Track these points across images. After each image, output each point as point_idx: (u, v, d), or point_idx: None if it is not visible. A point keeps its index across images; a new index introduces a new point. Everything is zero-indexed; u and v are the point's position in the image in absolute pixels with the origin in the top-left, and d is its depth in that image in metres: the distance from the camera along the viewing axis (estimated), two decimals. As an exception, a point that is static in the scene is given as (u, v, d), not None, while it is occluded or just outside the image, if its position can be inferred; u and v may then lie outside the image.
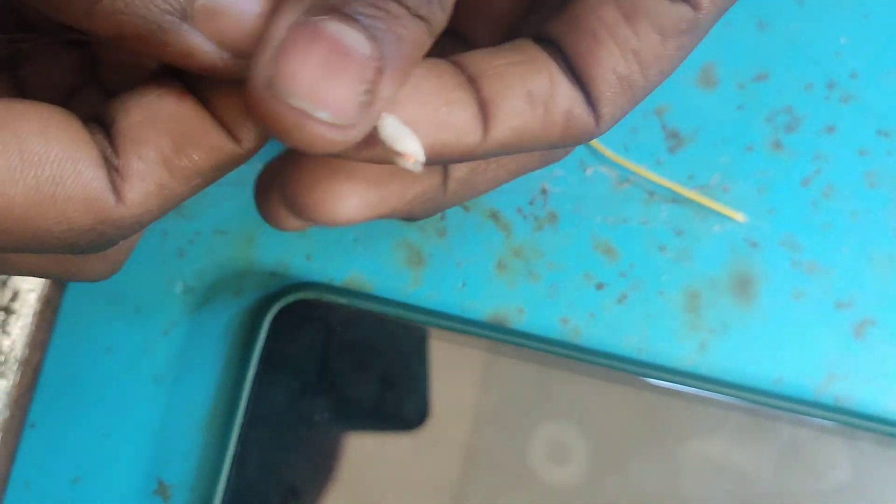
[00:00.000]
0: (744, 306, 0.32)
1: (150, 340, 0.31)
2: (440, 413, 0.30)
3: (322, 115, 0.17)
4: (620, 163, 0.32)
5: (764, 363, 0.32)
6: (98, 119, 0.19)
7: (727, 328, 0.32)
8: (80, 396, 0.30)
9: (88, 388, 0.31)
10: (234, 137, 0.19)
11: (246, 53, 0.18)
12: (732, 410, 0.30)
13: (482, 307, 0.31)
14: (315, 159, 0.21)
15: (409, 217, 0.23)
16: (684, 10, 0.20)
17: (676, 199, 0.32)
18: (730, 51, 0.33)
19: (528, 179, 0.32)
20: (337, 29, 0.17)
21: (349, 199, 0.21)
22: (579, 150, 0.32)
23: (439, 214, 0.32)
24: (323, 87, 0.17)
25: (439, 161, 0.20)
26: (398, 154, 0.18)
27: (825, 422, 0.30)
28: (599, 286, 0.32)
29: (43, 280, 0.31)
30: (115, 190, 0.18)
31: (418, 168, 0.19)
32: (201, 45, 0.18)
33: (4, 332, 0.30)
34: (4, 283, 0.30)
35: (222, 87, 0.19)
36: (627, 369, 0.30)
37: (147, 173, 0.19)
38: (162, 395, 0.31)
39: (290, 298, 0.30)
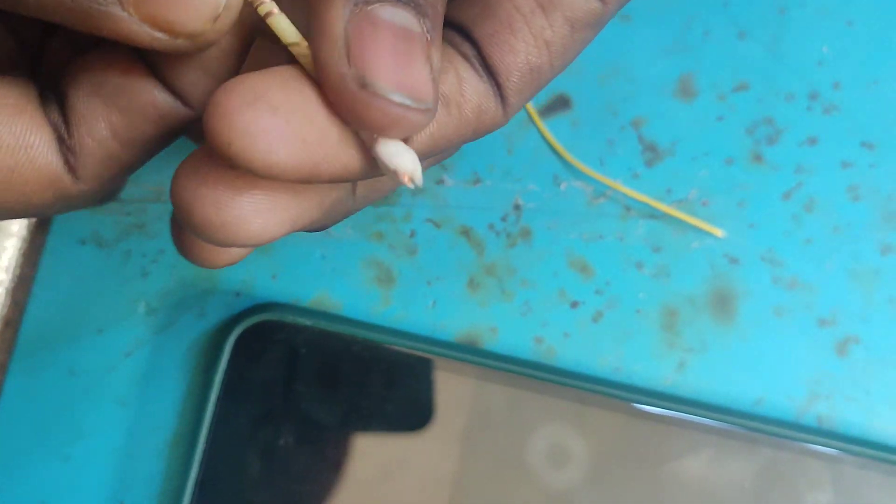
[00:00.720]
0: (723, 324, 0.31)
1: (113, 362, 0.30)
2: (410, 438, 0.29)
3: (413, 103, 0.17)
4: (596, 177, 0.31)
5: (744, 383, 0.31)
6: (55, 89, 0.19)
7: (706, 347, 0.31)
8: (41, 419, 0.30)
9: (50, 411, 0.30)
10: (184, 101, 0.19)
11: (180, 34, 0.18)
12: (712, 433, 0.29)
13: (454, 327, 0.31)
14: (216, 177, 0.19)
15: (318, 227, 0.23)
16: (595, 4, 0.20)
17: (654, 214, 0.31)
18: (709, 61, 0.32)
19: (502, 195, 0.31)
20: (391, 13, 0.17)
21: (261, 215, 0.19)
22: (554, 165, 0.31)
23: (409, 231, 0.31)
24: (406, 73, 0.17)
25: (367, 176, 0.19)
26: (394, 172, 0.18)
27: (808, 445, 0.29)
28: (574, 304, 0.31)
29: (2, 301, 0.30)
30: (70, 168, 0.19)
31: (418, 184, 0.18)
32: (134, 29, 0.17)
33: (-38, 354, 0.29)
34: (-38, 305, 0.30)
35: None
36: (603, 391, 0.29)
37: (99, 149, 0.19)
38: (125, 418, 0.30)
39: (253, 320, 0.29)
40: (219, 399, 0.29)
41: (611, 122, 0.32)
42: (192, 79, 0.19)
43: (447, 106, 0.20)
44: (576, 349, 0.31)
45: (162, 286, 0.30)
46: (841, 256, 0.31)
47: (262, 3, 0.18)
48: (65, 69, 0.20)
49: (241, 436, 0.29)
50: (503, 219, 0.31)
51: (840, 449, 0.29)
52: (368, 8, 0.17)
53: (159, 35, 0.18)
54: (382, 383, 0.29)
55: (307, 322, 0.29)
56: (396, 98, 0.17)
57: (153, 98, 0.19)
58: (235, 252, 0.21)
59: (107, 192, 0.20)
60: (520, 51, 0.20)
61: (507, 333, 0.31)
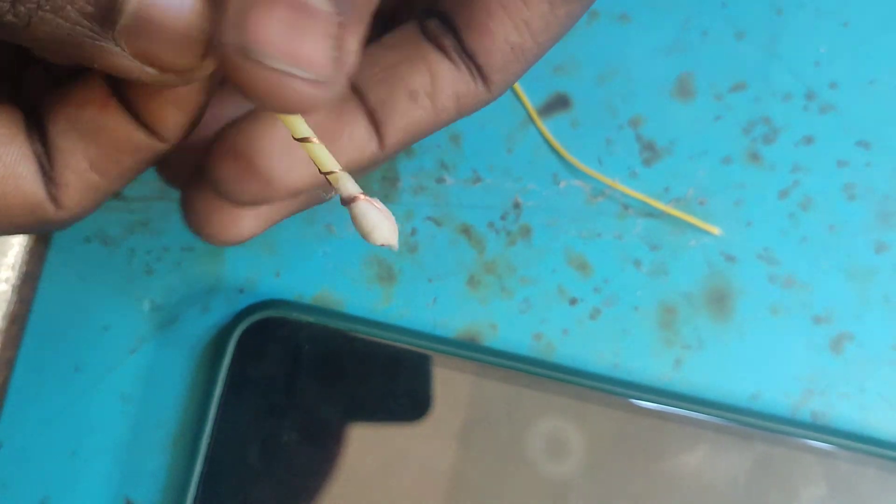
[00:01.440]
0: (720, 322, 0.31)
1: (118, 359, 0.30)
2: (411, 433, 0.30)
3: (299, 72, 0.17)
4: (594, 176, 0.32)
5: (740, 379, 0.31)
6: (36, 118, 0.20)
7: (703, 344, 0.31)
8: (47, 415, 0.30)
9: (56, 407, 0.30)
10: (157, 135, 0.20)
11: (172, 69, 0.18)
12: (708, 428, 0.30)
13: (454, 323, 0.31)
14: (204, 193, 0.22)
15: (296, 212, 0.24)
16: None
17: (652, 212, 0.32)
18: (707, 61, 0.32)
19: (501, 193, 0.31)
20: None
21: (243, 222, 0.22)
22: (553, 164, 0.32)
23: (410, 229, 0.31)
24: (296, 44, 0.17)
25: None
26: (372, 240, 0.19)
27: (802, 440, 0.30)
28: (573, 301, 0.31)
29: (8, 298, 0.30)
30: (52, 198, 0.20)
31: (395, 248, 0.19)
32: (125, 63, 0.18)
33: (-31, 351, 0.30)
34: (-31, 302, 0.30)
35: (136, 84, 0.19)
36: (601, 387, 0.30)
37: (79, 181, 0.20)
38: (130, 414, 0.30)
39: (257, 316, 0.29)
40: (223, 395, 0.29)
41: (609, 121, 0.32)
42: (165, 114, 0.20)
43: (417, 101, 0.21)
44: (574, 346, 0.31)
45: (166, 283, 0.31)
46: (836, 255, 0.32)
47: (295, 129, 0.19)
48: (42, 100, 0.20)
49: (244, 431, 0.29)
50: (503, 217, 0.31)
51: (834, 444, 0.30)
52: None
53: (149, 70, 0.18)
54: (384, 380, 0.30)
55: (310, 319, 0.29)
56: (278, 65, 0.16)
57: (128, 133, 0.20)
58: (238, 232, 0.22)
59: (83, 216, 0.21)
60: (497, 33, 0.21)
61: (506, 330, 0.31)
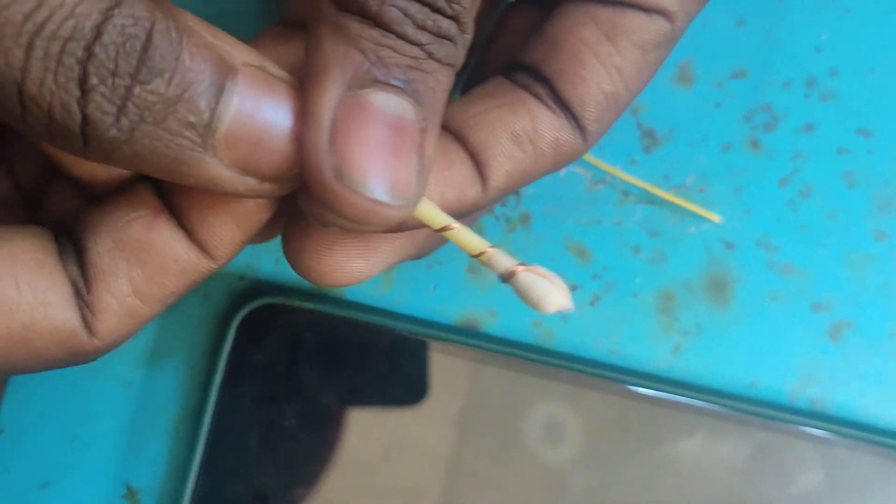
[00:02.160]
0: (719, 308, 0.31)
1: (118, 344, 0.31)
2: (410, 419, 0.30)
3: (391, 200, 0.17)
4: (594, 163, 0.32)
5: (739, 366, 0.31)
6: (70, 235, 0.19)
7: (702, 331, 0.31)
8: (47, 401, 0.30)
9: (56, 393, 0.30)
10: (209, 254, 0.19)
11: (268, 177, 0.17)
12: (706, 415, 0.30)
13: (454, 310, 0.31)
14: (315, 236, 0.21)
15: (417, 257, 0.24)
16: (661, 23, 0.21)
17: (651, 199, 0.32)
18: (707, 48, 0.32)
19: (501, 180, 0.31)
20: (385, 100, 0.17)
21: (351, 263, 0.21)
22: (553, 151, 0.32)
23: (410, 216, 0.31)
24: (392, 168, 0.17)
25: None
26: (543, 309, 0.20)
27: (800, 427, 0.30)
28: (572, 288, 0.31)
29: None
30: (87, 325, 0.19)
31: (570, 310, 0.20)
32: (223, 174, 0.17)
33: (-30, 336, 0.30)
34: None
35: (197, 197, 0.19)
36: (600, 374, 0.30)
37: (118, 305, 0.19)
38: (130, 400, 0.30)
39: (257, 303, 0.29)
40: (223, 380, 0.29)
41: (610, 108, 0.32)
42: (224, 231, 0.19)
43: (520, 145, 0.20)
44: (573, 333, 0.31)
45: (166, 269, 0.31)
46: (835, 242, 0.32)
47: (434, 222, 0.19)
48: (79, 218, 0.19)
49: (244, 416, 0.29)
50: (503, 204, 0.31)
51: (831, 431, 0.30)
52: (360, 92, 0.17)
53: (248, 180, 0.17)
54: (384, 366, 0.30)
55: (310, 305, 0.29)
56: (374, 195, 0.17)
57: (176, 252, 0.19)
58: (348, 274, 0.21)
59: (115, 347, 0.20)
60: (591, 81, 0.20)
61: (506, 317, 0.31)
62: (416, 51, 0.17)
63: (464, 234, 0.19)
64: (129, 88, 0.16)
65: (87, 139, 0.16)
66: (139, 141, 0.16)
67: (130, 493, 0.30)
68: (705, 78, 0.32)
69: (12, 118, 0.16)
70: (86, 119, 0.16)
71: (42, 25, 0.15)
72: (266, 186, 0.18)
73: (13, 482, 0.30)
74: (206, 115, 0.17)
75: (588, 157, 0.31)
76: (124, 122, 0.16)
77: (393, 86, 0.17)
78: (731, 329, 0.31)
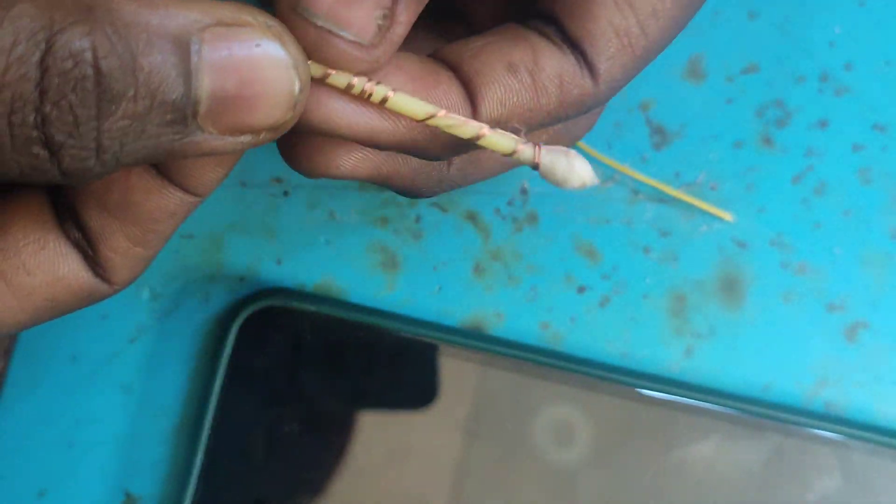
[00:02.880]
0: (732, 309, 0.31)
1: (117, 348, 0.30)
2: (415, 423, 0.29)
3: (342, 33, 0.17)
4: (604, 160, 0.31)
5: (752, 368, 0.30)
6: (67, 205, 0.20)
7: (714, 332, 0.31)
8: (45, 406, 0.30)
9: (53, 398, 0.30)
10: (191, 192, 0.20)
11: (262, 129, 0.18)
12: (720, 419, 0.29)
13: (459, 312, 0.30)
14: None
15: (413, 190, 0.23)
16: None
17: (662, 198, 0.31)
18: (718, 42, 0.31)
19: (508, 179, 0.31)
20: None
21: (340, 159, 0.21)
22: (560, 148, 0.31)
23: (414, 216, 0.31)
24: (344, 8, 0.17)
25: (437, 144, 0.20)
26: (566, 184, 0.19)
27: (815, 430, 0.29)
28: (581, 289, 0.31)
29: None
30: (103, 278, 0.20)
31: (593, 184, 0.19)
32: (217, 143, 0.17)
33: (-36, 341, 0.29)
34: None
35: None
36: (610, 377, 0.29)
37: (123, 258, 0.20)
38: (129, 404, 0.30)
39: (258, 305, 0.29)
40: (223, 385, 0.29)
41: (618, 104, 0.31)
42: (204, 173, 0.19)
43: (516, 73, 0.20)
44: (582, 335, 0.30)
45: (166, 271, 0.30)
46: (851, 241, 0.31)
47: (373, 91, 0.18)
48: (70, 189, 0.20)
49: (245, 421, 0.29)
50: (509, 203, 0.31)
51: (848, 435, 0.29)
52: None
53: (243, 139, 0.18)
54: (387, 369, 0.29)
55: (312, 307, 0.29)
56: (321, 24, 0.17)
57: (162, 202, 0.19)
58: (334, 167, 0.21)
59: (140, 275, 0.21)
60: (600, 15, 0.20)
61: (513, 319, 0.30)
62: None
63: (451, 120, 0.19)
64: (98, 128, 0.16)
65: (72, 179, 0.17)
66: (126, 157, 0.17)
67: (129, 499, 0.29)
68: (716, 73, 0.31)
69: None
70: (64, 172, 0.16)
71: None
72: (263, 136, 0.18)
73: (10, 490, 0.29)
74: (183, 106, 0.16)
75: (597, 154, 0.31)
76: (105, 156, 0.16)
77: None
78: (744, 330, 0.31)
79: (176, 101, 0.16)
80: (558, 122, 0.21)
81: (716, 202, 0.31)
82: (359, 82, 0.18)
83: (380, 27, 0.18)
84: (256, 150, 0.30)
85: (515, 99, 0.20)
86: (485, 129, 0.19)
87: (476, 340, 0.29)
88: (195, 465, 0.28)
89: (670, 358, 0.30)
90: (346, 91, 0.18)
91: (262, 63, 0.17)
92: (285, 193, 0.31)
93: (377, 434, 0.29)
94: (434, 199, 0.31)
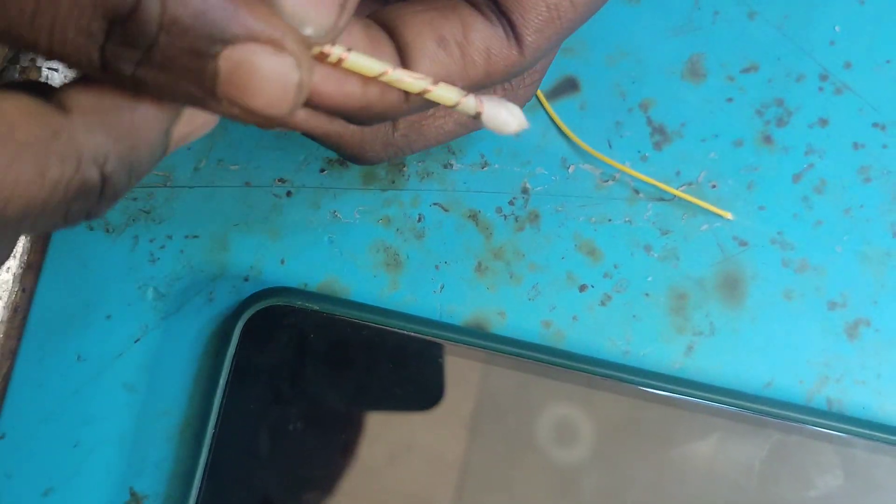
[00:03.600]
0: (733, 307, 0.31)
1: (122, 348, 0.30)
2: (418, 421, 0.29)
3: (309, 30, 0.18)
4: (604, 160, 0.31)
5: (754, 366, 0.30)
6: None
7: (715, 330, 0.31)
8: (50, 406, 0.30)
9: (59, 398, 0.30)
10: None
11: (262, 118, 0.18)
12: (721, 416, 0.29)
13: (462, 311, 0.30)
14: None
15: (360, 154, 0.24)
16: None
17: (663, 196, 0.31)
18: (718, 42, 0.32)
19: (509, 178, 0.31)
20: None
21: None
22: (562, 148, 0.31)
23: (417, 215, 0.31)
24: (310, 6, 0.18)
25: (371, 110, 0.20)
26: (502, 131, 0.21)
27: (817, 428, 0.29)
28: (583, 288, 0.31)
29: (10, 287, 0.30)
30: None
31: (525, 127, 0.21)
32: (228, 111, 0.18)
33: (-29, 341, 0.29)
34: (-30, 291, 0.30)
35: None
36: (612, 375, 0.29)
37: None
38: (134, 404, 0.30)
39: (262, 304, 0.29)
40: (228, 384, 0.29)
41: (619, 104, 0.31)
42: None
43: (446, 48, 0.20)
44: (584, 333, 0.30)
45: (170, 271, 0.30)
46: (852, 239, 0.31)
47: (330, 53, 0.19)
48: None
49: (250, 420, 0.29)
50: (511, 202, 0.31)
51: (850, 432, 0.29)
52: None
53: (250, 117, 0.18)
54: (391, 367, 0.29)
55: (315, 306, 0.29)
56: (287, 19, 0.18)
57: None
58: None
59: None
60: None
61: (515, 317, 0.30)
62: None
63: (400, 74, 0.19)
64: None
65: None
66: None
67: (135, 498, 0.30)
68: (716, 72, 0.32)
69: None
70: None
71: None
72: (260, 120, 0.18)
73: (15, 489, 0.29)
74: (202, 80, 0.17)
75: (597, 153, 0.31)
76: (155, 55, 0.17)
77: None
78: (745, 328, 0.31)
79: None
80: (484, 88, 0.22)
81: (716, 201, 0.31)
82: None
83: (340, 6, 0.18)
84: (260, 150, 0.31)
85: (445, 71, 0.21)
86: (430, 85, 0.20)
87: (479, 339, 0.29)
88: (200, 464, 0.29)
89: (672, 356, 0.30)
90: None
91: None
92: (288, 194, 0.31)
93: (381, 432, 0.29)
94: (436, 198, 0.31)
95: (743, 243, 0.31)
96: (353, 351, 0.29)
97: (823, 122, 0.31)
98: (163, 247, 0.30)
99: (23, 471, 0.29)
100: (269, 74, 0.17)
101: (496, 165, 0.31)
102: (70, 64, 0.17)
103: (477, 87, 0.21)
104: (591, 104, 0.31)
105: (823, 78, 0.32)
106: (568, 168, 0.31)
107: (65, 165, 0.17)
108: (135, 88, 0.18)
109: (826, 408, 0.30)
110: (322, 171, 0.31)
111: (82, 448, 0.30)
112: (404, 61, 0.21)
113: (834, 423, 0.29)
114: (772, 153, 0.31)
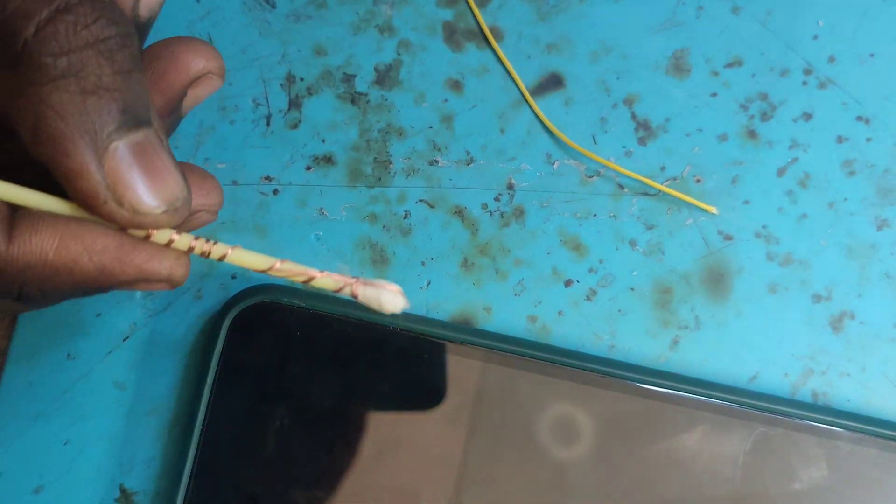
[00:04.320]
0: (718, 301, 0.31)
1: (111, 346, 0.30)
2: (405, 417, 0.29)
3: (168, 206, 0.21)
4: (589, 156, 0.31)
5: (739, 360, 0.31)
6: None
7: (700, 324, 0.31)
8: (40, 404, 0.30)
9: (49, 396, 0.30)
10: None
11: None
12: (707, 409, 0.29)
13: (448, 307, 0.31)
14: None
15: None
16: None
17: (647, 191, 0.31)
18: (702, 37, 0.32)
19: (495, 175, 0.31)
20: (130, 139, 0.21)
21: None
22: (546, 144, 0.31)
23: (403, 212, 0.31)
24: (163, 185, 0.21)
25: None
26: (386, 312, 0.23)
27: (801, 421, 0.29)
28: (568, 283, 0.31)
29: None
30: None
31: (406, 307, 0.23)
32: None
33: (-39, 340, 0.30)
34: (-40, 291, 0.30)
35: None
36: (598, 369, 0.29)
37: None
38: (123, 402, 0.30)
39: (249, 302, 0.29)
40: (216, 381, 0.29)
41: (603, 99, 0.32)
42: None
43: None
44: (570, 328, 0.31)
45: (157, 270, 0.30)
46: (836, 232, 0.31)
47: (211, 251, 0.22)
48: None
49: (238, 417, 0.29)
50: (496, 198, 0.31)
51: (835, 425, 0.29)
52: (111, 146, 0.20)
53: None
54: (378, 364, 0.29)
55: (303, 303, 0.29)
56: (161, 209, 0.21)
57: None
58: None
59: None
60: None
61: (501, 313, 0.31)
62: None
63: (289, 267, 0.22)
64: None
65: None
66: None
67: (125, 495, 0.30)
68: (701, 67, 0.32)
69: None
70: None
71: None
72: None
73: (6, 487, 0.30)
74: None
75: (582, 149, 0.31)
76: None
77: (128, 127, 0.20)
78: (730, 322, 0.31)
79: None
80: None
81: (701, 195, 0.31)
82: (197, 244, 0.22)
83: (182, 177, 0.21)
84: (246, 149, 0.31)
85: None
86: (315, 273, 0.22)
87: (466, 334, 0.29)
88: (188, 461, 0.29)
89: (657, 350, 0.31)
90: (189, 251, 0.22)
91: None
92: (275, 192, 0.31)
93: (368, 428, 0.29)
94: (421, 195, 0.31)
95: (728, 237, 0.31)
96: (341, 348, 0.29)
97: (807, 116, 0.32)
98: (151, 245, 0.31)
99: (14, 469, 0.30)
100: (152, 290, 0.22)
101: (481, 162, 0.31)
102: None
103: None
104: (576, 100, 0.31)
105: (807, 72, 0.32)
106: (553, 164, 0.31)
107: None
108: None
109: (811, 401, 0.30)
110: (308, 168, 0.31)
111: (73, 446, 0.30)
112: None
113: (819, 416, 0.29)
114: (756, 147, 0.31)
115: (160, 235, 0.21)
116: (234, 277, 0.31)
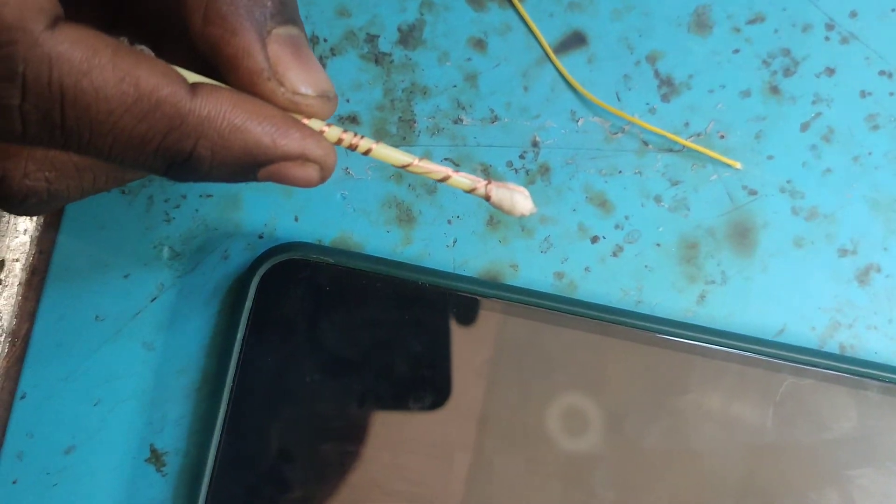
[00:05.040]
0: (744, 256, 0.31)
1: (139, 307, 0.30)
2: (430, 373, 0.29)
3: (317, 93, 0.23)
4: (613, 112, 0.31)
5: (766, 314, 0.31)
6: None
7: (727, 279, 0.31)
8: (70, 365, 0.30)
9: (78, 357, 0.30)
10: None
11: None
12: (735, 361, 0.30)
13: (475, 264, 0.31)
14: None
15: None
16: None
17: (672, 147, 0.31)
18: (724, -6, 0.32)
19: (519, 133, 0.31)
20: (286, 31, 0.23)
21: None
22: (571, 101, 0.31)
23: (428, 170, 0.31)
24: (314, 75, 0.23)
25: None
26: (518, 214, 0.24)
27: (830, 371, 0.29)
28: (594, 239, 0.31)
29: (28, 250, 0.30)
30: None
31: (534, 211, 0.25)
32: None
33: (-9, 301, 0.30)
34: (-11, 253, 0.30)
35: None
36: (626, 322, 0.29)
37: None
38: (152, 362, 0.30)
39: (277, 259, 0.29)
40: (245, 339, 0.29)
41: (626, 57, 0.32)
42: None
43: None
44: (596, 284, 0.31)
45: (185, 230, 0.31)
46: (861, 186, 0.31)
47: (358, 144, 0.23)
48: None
49: (268, 374, 0.29)
50: (521, 156, 0.31)
51: (863, 375, 0.29)
52: (273, 31, 0.22)
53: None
54: (406, 319, 0.29)
55: (330, 260, 0.29)
56: (316, 95, 0.22)
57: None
58: None
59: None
60: None
61: (527, 270, 0.31)
62: None
63: (426, 166, 0.23)
64: None
65: None
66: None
67: (155, 455, 0.30)
68: (722, 24, 0.32)
69: None
70: None
71: None
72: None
73: (37, 448, 0.30)
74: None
75: (606, 106, 0.31)
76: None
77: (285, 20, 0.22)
78: (756, 276, 0.31)
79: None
80: None
81: (725, 151, 0.31)
82: (346, 136, 0.23)
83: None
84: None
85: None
86: (451, 172, 0.24)
87: (493, 289, 0.30)
88: (219, 419, 0.29)
89: (684, 305, 0.31)
90: (338, 143, 0.23)
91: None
92: (301, 152, 0.31)
93: (397, 382, 0.29)
94: (447, 153, 0.31)
95: (752, 192, 0.31)
96: (369, 303, 0.29)
97: (830, 71, 0.32)
98: (178, 206, 0.31)
99: (44, 430, 0.30)
100: (298, 180, 0.22)
101: (506, 120, 0.31)
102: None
103: None
104: (599, 57, 0.32)
105: (829, 27, 0.32)
106: (577, 121, 0.31)
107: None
108: None
109: (839, 352, 0.31)
110: (333, 128, 0.31)
111: (103, 406, 0.30)
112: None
113: (846, 367, 0.29)
114: (779, 103, 0.32)
115: (313, 124, 0.23)
116: (260, 237, 0.31)
